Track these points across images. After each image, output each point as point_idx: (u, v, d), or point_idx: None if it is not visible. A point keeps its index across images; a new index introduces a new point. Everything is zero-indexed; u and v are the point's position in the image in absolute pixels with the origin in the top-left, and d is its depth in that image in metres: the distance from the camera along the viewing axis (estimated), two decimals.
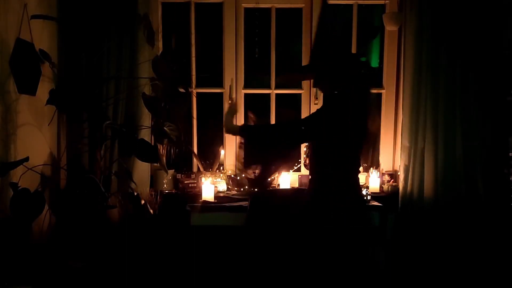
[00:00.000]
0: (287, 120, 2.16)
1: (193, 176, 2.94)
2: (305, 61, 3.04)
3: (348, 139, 1.95)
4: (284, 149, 2.08)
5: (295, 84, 3.02)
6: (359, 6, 3.02)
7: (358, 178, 2.06)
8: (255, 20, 3.10)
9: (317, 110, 2.03)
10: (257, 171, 2.08)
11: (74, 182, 2.48)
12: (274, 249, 2.01)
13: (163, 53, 2.93)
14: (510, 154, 2.74)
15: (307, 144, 2.73)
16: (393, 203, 2.76)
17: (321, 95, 3.01)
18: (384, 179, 2.93)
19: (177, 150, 2.95)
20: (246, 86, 3.06)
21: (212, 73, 3.15)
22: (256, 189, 2.22)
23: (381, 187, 2.89)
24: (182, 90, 2.68)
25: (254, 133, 2.07)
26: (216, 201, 2.64)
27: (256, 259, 2.06)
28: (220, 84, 3.05)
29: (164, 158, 2.82)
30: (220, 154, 3.06)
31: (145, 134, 2.72)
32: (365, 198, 2.12)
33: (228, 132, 2.16)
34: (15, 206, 1.94)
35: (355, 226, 1.98)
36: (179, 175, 2.94)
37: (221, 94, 3.06)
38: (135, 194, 2.52)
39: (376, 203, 2.63)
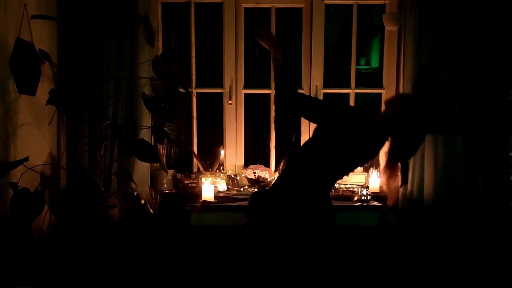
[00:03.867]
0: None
1: (193, 176, 2.93)
2: (304, 61, 3.04)
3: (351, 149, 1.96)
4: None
5: None
6: (359, 6, 3.02)
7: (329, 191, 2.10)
8: (255, 20, 3.10)
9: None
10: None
11: (74, 182, 2.48)
12: (274, 249, 2.01)
13: (163, 53, 2.93)
14: (510, 154, 2.74)
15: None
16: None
17: (321, 95, 3.01)
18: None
19: (177, 150, 2.94)
20: (246, 86, 3.06)
21: (212, 73, 3.15)
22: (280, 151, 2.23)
23: (381, 187, 2.89)
24: (182, 90, 2.68)
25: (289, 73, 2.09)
26: (216, 201, 2.64)
27: (256, 259, 2.06)
28: (220, 84, 3.05)
29: (164, 158, 2.82)
30: (220, 154, 3.06)
31: (145, 134, 2.72)
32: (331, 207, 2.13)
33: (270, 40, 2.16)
34: (15, 206, 1.94)
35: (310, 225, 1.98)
36: (179, 175, 2.94)
37: (221, 94, 3.06)
38: (135, 194, 2.52)
39: (376, 203, 2.63)
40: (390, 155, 1.99)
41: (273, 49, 2.21)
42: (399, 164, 2.01)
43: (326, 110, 1.99)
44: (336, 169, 2.03)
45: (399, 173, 2.01)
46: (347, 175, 2.08)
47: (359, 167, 3.10)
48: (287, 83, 2.11)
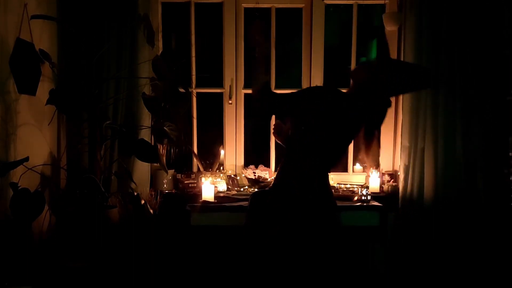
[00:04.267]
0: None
1: (193, 176, 2.93)
2: (304, 61, 3.04)
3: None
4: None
5: None
6: (359, 6, 3.02)
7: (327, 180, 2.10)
8: (255, 20, 3.10)
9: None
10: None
11: (74, 182, 2.48)
12: (274, 249, 2.01)
13: (163, 53, 2.93)
14: (510, 154, 2.74)
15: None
16: (393, 203, 2.76)
17: None
18: (384, 179, 2.93)
19: (177, 150, 2.94)
20: (246, 86, 3.06)
21: (212, 73, 3.15)
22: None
23: (381, 187, 2.89)
24: (182, 90, 2.68)
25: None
26: (216, 201, 2.64)
27: (256, 259, 2.06)
28: (220, 84, 3.05)
29: (164, 158, 2.82)
30: (220, 154, 3.06)
31: (145, 134, 2.72)
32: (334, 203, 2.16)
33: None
34: (15, 206, 1.94)
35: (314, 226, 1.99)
36: (179, 175, 2.94)
37: (221, 94, 3.06)
38: (135, 194, 2.52)
39: (376, 203, 2.63)
40: (366, 125, 2.04)
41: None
42: (375, 132, 2.06)
43: (326, 111, 2.00)
44: (334, 163, 2.11)
45: (375, 142, 2.06)
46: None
47: (359, 166, 3.12)
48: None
